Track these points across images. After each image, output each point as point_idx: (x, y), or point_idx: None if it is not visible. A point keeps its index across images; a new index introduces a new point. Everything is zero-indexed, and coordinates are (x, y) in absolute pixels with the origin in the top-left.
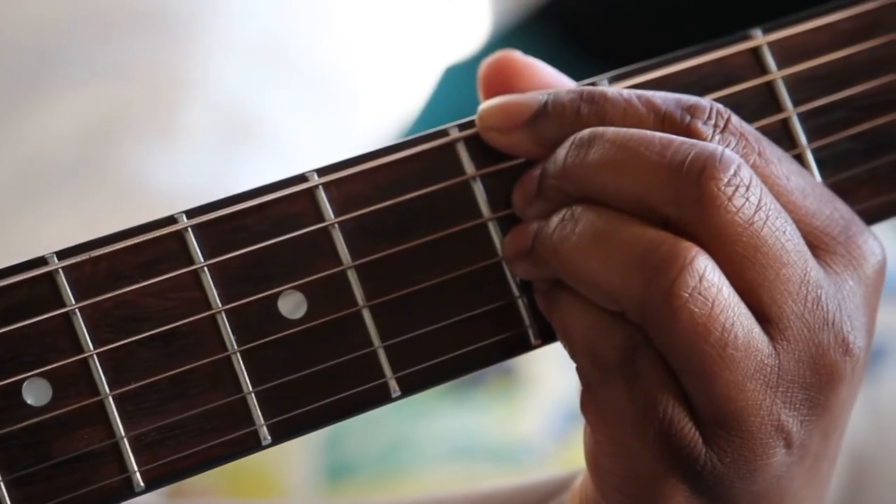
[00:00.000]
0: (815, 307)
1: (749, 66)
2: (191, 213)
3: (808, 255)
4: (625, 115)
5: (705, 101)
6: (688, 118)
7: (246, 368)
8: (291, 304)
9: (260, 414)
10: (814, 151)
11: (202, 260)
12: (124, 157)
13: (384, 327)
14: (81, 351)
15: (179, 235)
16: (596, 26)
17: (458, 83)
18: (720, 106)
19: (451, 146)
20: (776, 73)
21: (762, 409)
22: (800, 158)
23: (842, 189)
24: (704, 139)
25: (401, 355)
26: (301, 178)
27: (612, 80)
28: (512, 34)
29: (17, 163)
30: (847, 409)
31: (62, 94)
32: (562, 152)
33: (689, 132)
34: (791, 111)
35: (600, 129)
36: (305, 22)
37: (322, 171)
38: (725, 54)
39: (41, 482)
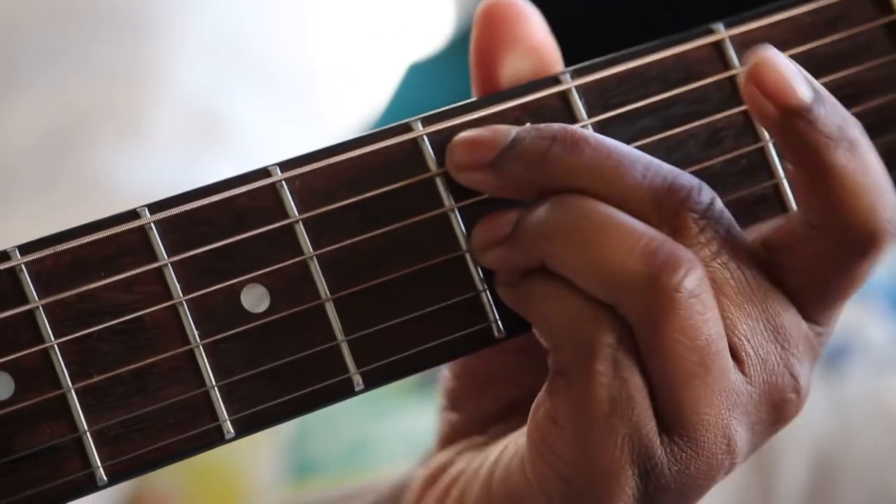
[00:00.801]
0: (773, 348)
1: (711, 61)
2: (153, 208)
3: (770, 289)
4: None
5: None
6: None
7: (209, 362)
8: (254, 298)
9: (223, 408)
10: (776, 145)
11: (165, 255)
12: (89, 155)
13: (348, 321)
14: (43, 343)
15: (142, 230)
16: (557, 24)
17: (422, 81)
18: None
19: (414, 141)
20: (739, 68)
21: (720, 427)
22: (763, 152)
23: None
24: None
25: (364, 349)
26: (264, 171)
27: (575, 75)
28: None
29: None
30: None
31: (25, 93)
32: (540, 141)
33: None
34: None
35: (587, 132)
36: (271, 20)
37: (285, 166)
38: (688, 48)
39: (3, 477)
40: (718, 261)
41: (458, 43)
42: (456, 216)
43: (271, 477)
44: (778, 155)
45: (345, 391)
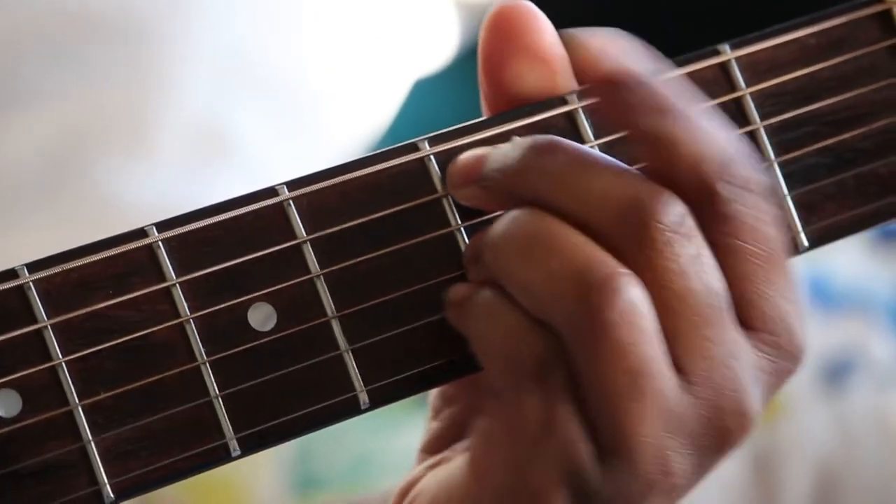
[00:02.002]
0: (725, 373)
1: (717, 82)
2: (161, 226)
3: (732, 321)
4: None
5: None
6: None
7: (216, 380)
8: (261, 317)
9: (230, 425)
10: (781, 165)
11: (173, 273)
12: (92, 170)
13: (354, 339)
14: (51, 361)
15: (150, 248)
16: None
17: (427, 97)
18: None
19: (420, 161)
20: (745, 90)
21: (657, 448)
22: (767, 172)
23: (809, 203)
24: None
25: (371, 367)
26: (271, 191)
27: (582, 95)
28: None
29: None
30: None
31: (29, 108)
32: (515, 151)
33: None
34: (759, 125)
35: (561, 140)
36: (276, 37)
37: (292, 185)
38: (694, 69)
39: (10, 493)
40: (682, 279)
41: (464, 59)
42: (462, 236)
43: (275, 492)
44: (783, 175)
45: (351, 409)
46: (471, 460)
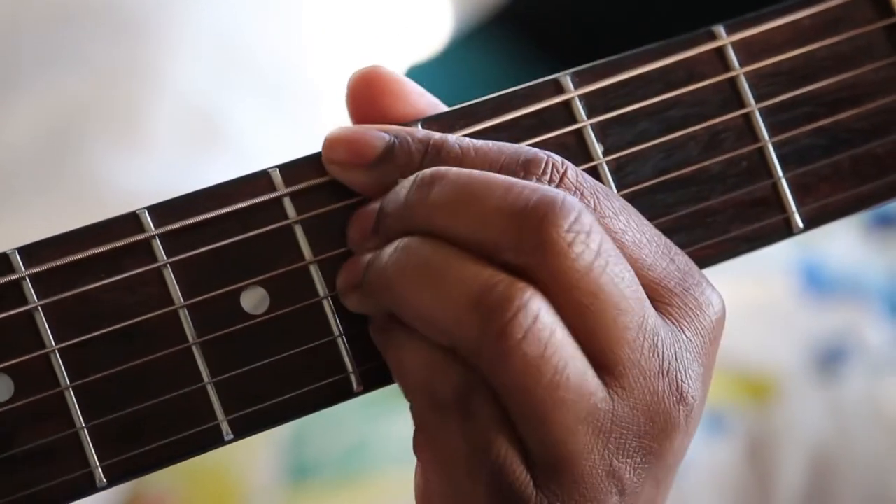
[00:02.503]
0: (651, 355)
1: (712, 63)
2: (153, 209)
3: (647, 302)
4: (461, 166)
5: (542, 155)
6: (522, 172)
7: (207, 363)
8: (254, 300)
9: (222, 409)
10: (776, 146)
11: (165, 257)
12: (87, 156)
13: (347, 320)
14: (43, 346)
15: (143, 231)
16: (557, 27)
17: (422, 83)
18: (557, 159)
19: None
20: (739, 70)
21: (593, 453)
22: (762, 152)
23: (804, 184)
24: (546, 179)
25: (364, 351)
26: (264, 174)
27: (576, 78)
28: (474, 35)
29: None
30: (680, 456)
31: (24, 94)
32: (402, 190)
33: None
34: (753, 106)
35: (443, 168)
36: (269, 22)
37: (284, 169)
38: (689, 51)
39: (2, 477)
40: (592, 275)
41: (457, 45)
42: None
43: (268, 479)
44: (778, 157)
45: (344, 391)
46: (415, 491)
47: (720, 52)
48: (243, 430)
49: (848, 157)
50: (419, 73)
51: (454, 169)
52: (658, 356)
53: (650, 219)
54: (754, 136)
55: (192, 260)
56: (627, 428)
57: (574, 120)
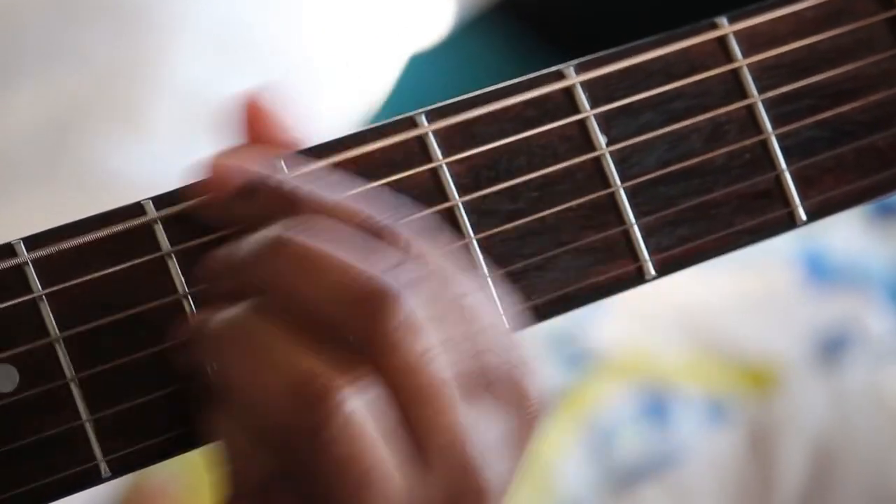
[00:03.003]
0: (462, 453)
1: (714, 54)
2: (158, 200)
3: (461, 403)
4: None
5: (399, 229)
6: (376, 239)
7: None
8: None
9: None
10: (779, 138)
11: (168, 245)
12: (88, 145)
13: None
14: (48, 335)
15: (147, 222)
16: (559, 18)
17: (422, 72)
18: (412, 230)
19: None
20: (741, 61)
21: None
22: (765, 145)
23: (807, 177)
24: (389, 262)
25: None
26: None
27: (579, 68)
28: (476, 23)
29: None
30: None
31: (25, 84)
32: (246, 247)
33: (376, 252)
34: (756, 98)
35: (290, 234)
36: (270, 11)
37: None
38: (692, 42)
39: (6, 469)
40: (415, 372)
41: (459, 34)
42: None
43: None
44: (781, 149)
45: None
46: None
47: (723, 43)
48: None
49: (851, 150)
50: (420, 63)
51: (300, 238)
52: (469, 455)
53: (652, 211)
54: (757, 128)
55: (193, 246)
56: None
57: (577, 110)
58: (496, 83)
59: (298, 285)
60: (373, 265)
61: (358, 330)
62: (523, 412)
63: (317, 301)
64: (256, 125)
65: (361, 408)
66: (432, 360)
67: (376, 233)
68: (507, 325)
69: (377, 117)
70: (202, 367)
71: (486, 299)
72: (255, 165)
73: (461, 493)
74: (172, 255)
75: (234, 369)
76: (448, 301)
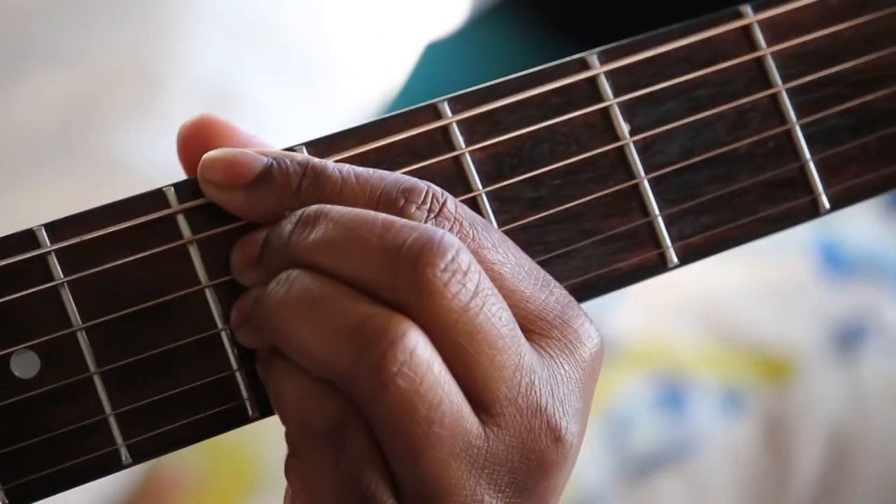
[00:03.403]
0: (528, 393)
1: (738, 43)
2: (179, 187)
3: (523, 340)
4: (341, 193)
5: (422, 185)
6: (402, 201)
7: (233, 347)
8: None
9: (245, 386)
10: (803, 127)
11: (191, 233)
12: (105, 130)
13: None
14: (69, 323)
15: (168, 208)
16: (574, 5)
17: (439, 60)
18: (437, 190)
19: (444, 128)
20: (765, 50)
21: (465, 489)
22: (789, 134)
23: (831, 165)
24: (422, 215)
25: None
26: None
27: (603, 56)
28: (492, 11)
29: None
30: (558, 492)
31: (40, 72)
32: (287, 227)
33: (403, 215)
34: (780, 87)
35: (326, 207)
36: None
37: (310, 145)
38: (715, 31)
39: (27, 455)
40: (469, 314)
41: (475, 23)
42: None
43: (284, 455)
44: (805, 137)
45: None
46: None
47: (747, 31)
48: (269, 407)
49: (875, 139)
50: (436, 51)
51: (337, 207)
52: (535, 394)
53: (675, 199)
54: (781, 117)
55: (215, 234)
56: (501, 465)
57: (600, 99)
58: (511, 72)
59: (343, 248)
60: (409, 219)
61: (405, 281)
62: (580, 359)
63: (362, 260)
64: (212, 144)
65: (422, 344)
66: (484, 302)
67: (402, 192)
68: (544, 273)
69: (393, 106)
70: (265, 333)
71: (518, 248)
72: (264, 153)
73: (537, 443)
74: (195, 243)
75: (296, 324)
76: (482, 252)
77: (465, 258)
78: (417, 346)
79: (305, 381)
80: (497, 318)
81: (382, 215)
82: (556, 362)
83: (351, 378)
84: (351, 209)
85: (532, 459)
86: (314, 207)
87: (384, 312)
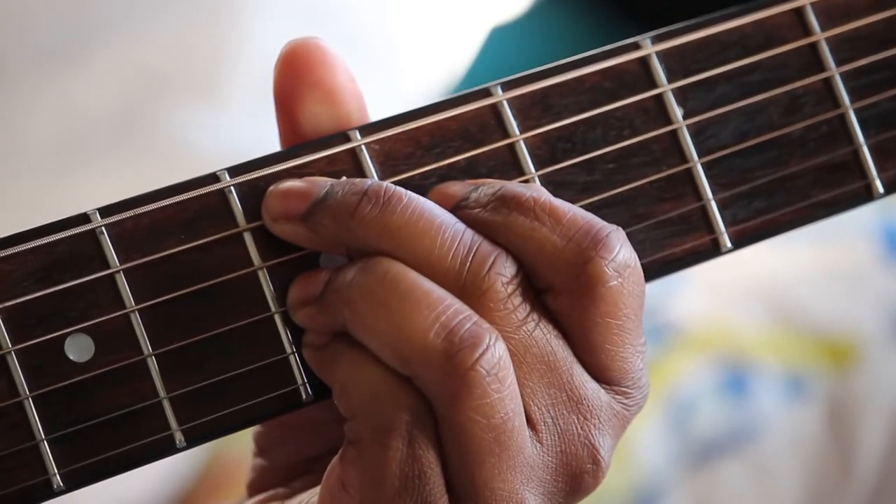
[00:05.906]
0: (573, 420)
1: (792, 27)
2: (233, 171)
3: (574, 362)
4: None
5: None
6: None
7: (289, 330)
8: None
9: (301, 370)
10: (856, 111)
11: (244, 219)
12: (165, 116)
13: None
14: (123, 306)
15: (221, 193)
16: None
17: (503, 45)
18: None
19: (493, 107)
20: (819, 34)
21: (513, 501)
22: (842, 118)
23: (885, 149)
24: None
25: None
26: (343, 136)
27: (655, 40)
28: None
29: (60, 122)
30: None
31: (100, 55)
32: (352, 199)
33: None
34: (834, 70)
35: (403, 195)
36: None
37: (364, 130)
38: (768, 15)
39: (82, 439)
40: (524, 329)
41: (539, 8)
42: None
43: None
44: (858, 121)
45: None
46: (323, 493)
47: (800, 15)
48: (323, 390)
49: None
50: (501, 35)
51: (409, 196)
52: (580, 424)
53: (728, 184)
54: (835, 101)
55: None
56: (542, 483)
57: (654, 84)
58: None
59: (411, 239)
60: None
61: (476, 278)
62: (633, 405)
63: (433, 254)
64: (313, 69)
65: (507, 354)
66: (540, 319)
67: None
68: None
69: (457, 90)
70: (337, 318)
71: None
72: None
73: (573, 460)
74: (250, 231)
75: (381, 313)
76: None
77: (524, 275)
78: (504, 356)
79: (380, 374)
80: (550, 346)
81: (450, 216)
82: (610, 405)
83: (434, 376)
84: (423, 201)
85: (571, 483)
86: (385, 185)
87: (474, 315)
